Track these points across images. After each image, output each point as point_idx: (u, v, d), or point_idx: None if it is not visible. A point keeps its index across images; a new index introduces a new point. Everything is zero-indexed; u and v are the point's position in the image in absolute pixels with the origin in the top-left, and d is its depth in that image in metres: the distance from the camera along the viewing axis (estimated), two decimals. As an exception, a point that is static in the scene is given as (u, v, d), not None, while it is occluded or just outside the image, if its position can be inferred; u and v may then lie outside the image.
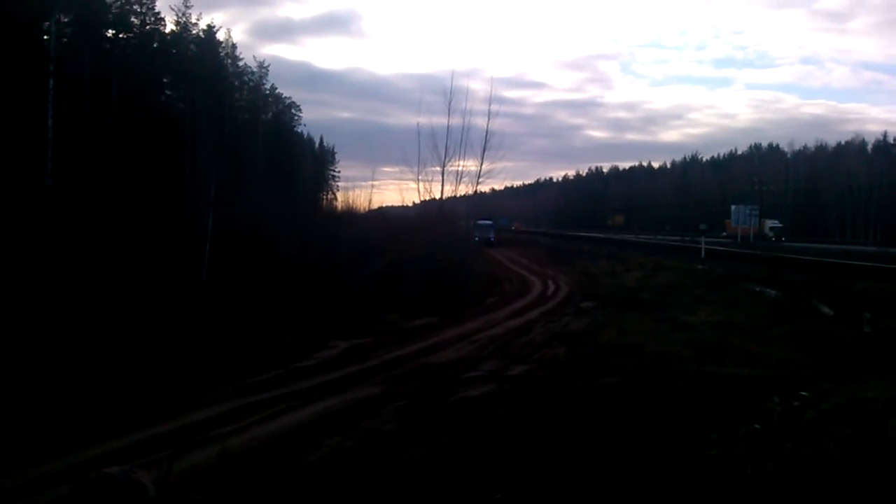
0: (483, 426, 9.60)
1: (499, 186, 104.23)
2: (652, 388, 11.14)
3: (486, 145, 37.56)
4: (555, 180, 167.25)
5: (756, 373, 12.07)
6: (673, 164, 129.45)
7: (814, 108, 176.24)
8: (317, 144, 65.35)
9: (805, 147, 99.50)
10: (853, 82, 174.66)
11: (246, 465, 8.45)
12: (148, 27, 33.65)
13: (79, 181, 23.86)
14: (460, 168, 38.07)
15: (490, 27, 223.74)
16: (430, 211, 41.26)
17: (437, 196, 38.52)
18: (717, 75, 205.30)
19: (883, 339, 14.64)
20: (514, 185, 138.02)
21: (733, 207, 72.44)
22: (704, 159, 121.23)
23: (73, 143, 24.57)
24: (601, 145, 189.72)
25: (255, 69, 45.70)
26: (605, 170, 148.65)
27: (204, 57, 37.08)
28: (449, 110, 36.64)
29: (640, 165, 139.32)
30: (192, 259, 25.66)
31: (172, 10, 36.54)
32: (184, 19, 36.47)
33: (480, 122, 39.25)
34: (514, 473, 7.38)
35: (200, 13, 48.46)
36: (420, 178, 37.53)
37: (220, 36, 40.65)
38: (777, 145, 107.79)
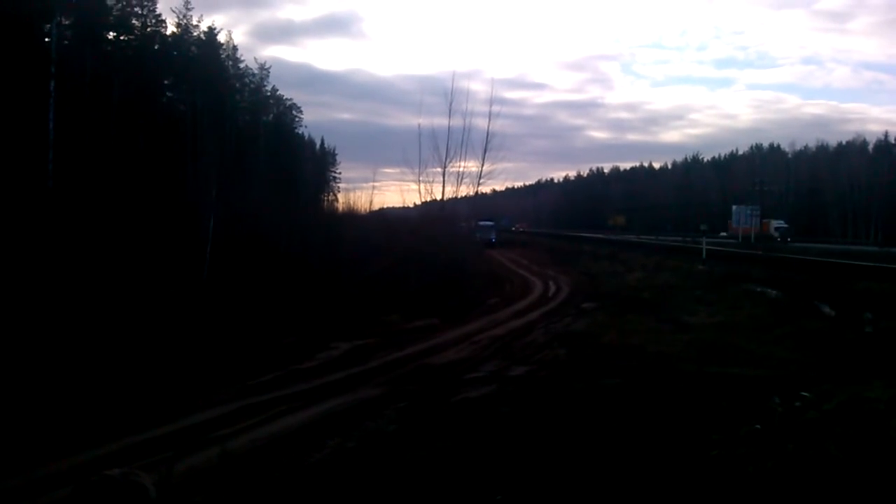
0: (484, 427, 9.59)
1: (500, 187, 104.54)
2: (653, 388, 11.13)
3: (486, 146, 37.68)
4: (556, 181, 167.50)
5: (757, 373, 12.04)
6: (674, 164, 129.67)
7: (815, 108, 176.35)
8: (318, 146, 65.52)
9: (806, 147, 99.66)
10: (854, 82, 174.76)
11: (247, 467, 8.45)
12: (149, 29, 33.75)
13: (80, 183, 23.88)
14: (461, 169, 38.16)
15: (491, 28, 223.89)
16: (431, 212, 41.31)
17: (438, 197, 38.63)
18: (718, 76, 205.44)
19: (884, 340, 14.61)
20: (515, 186, 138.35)
21: (734, 208, 72.40)
22: (705, 160, 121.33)
23: (74, 145, 24.60)
24: (602, 146, 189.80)
25: (256, 71, 45.83)
26: (605, 170, 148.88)
27: (205, 59, 37.13)
28: (450, 111, 36.78)
29: (641, 166, 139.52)
30: (193, 260, 25.69)
31: (173, 12, 36.63)
32: (185, 21, 36.60)
33: (481, 123, 39.41)
34: (515, 474, 7.38)
35: (201, 15, 48.24)
36: (421, 179, 37.66)
37: (221, 38, 40.79)
38: (778, 145, 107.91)
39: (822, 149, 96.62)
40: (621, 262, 42.74)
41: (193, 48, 37.26)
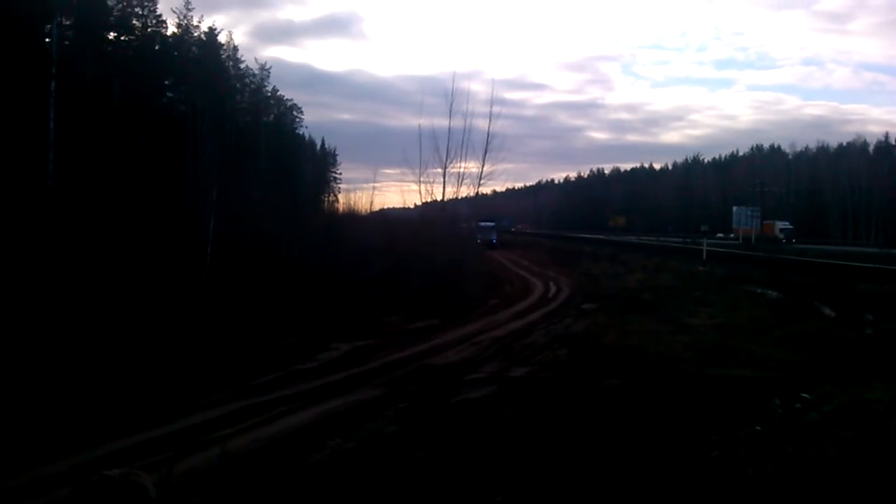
0: (484, 428, 9.59)
1: (500, 188, 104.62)
2: (653, 389, 11.13)
3: (487, 147, 37.64)
4: (556, 182, 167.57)
5: (757, 374, 12.05)
6: (674, 165, 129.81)
7: (815, 109, 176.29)
8: (318, 146, 65.55)
9: (806, 148, 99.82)
10: (854, 83, 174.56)
11: (247, 467, 8.45)
12: (149, 30, 33.74)
13: (80, 184, 23.87)
14: (462, 170, 38.13)
15: (491, 29, 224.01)
16: (432, 213, 41.30)
17: (439, 198, 38.62)
18: (718, 76, 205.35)
19: (885, 341, 14.61)
20: (516, 187, 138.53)
21: (735, 209, 72.48)
22: (706, 161, 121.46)
23: (75, 146, 24.59)
24: (602, 147, 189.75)
25: (256, 71, 45.81)
26: (606, 171, 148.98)
27: (205, 59, 37.13)
28: (450, 112, 36.76)
29: (642, 167, 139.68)
30: (193, 261, 25.67)
31: (174, 12, 36.62)
32: (185, 22, 36.59)
33: (481, 123, 39.35)
34: (516, 475, 7.38)
35: (202, 16, 48.28)
36: (421, 179, 37.64)
37: (222, 38, 40.77)
38: (778, 146, 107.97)
39: (823, 150, 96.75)
40: (622, 263, 42.78)
41: (194, 49, 37.26)
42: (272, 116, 49.26)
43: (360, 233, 34.73)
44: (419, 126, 70.67)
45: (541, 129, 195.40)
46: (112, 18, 31.12)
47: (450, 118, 36.86)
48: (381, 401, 11.90)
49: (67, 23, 27.71)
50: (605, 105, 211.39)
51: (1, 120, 21.08)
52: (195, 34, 37.44)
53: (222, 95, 37.73)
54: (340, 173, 71.18)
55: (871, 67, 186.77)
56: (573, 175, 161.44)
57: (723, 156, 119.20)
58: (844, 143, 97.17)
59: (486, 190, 61.52)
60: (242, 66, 44.21)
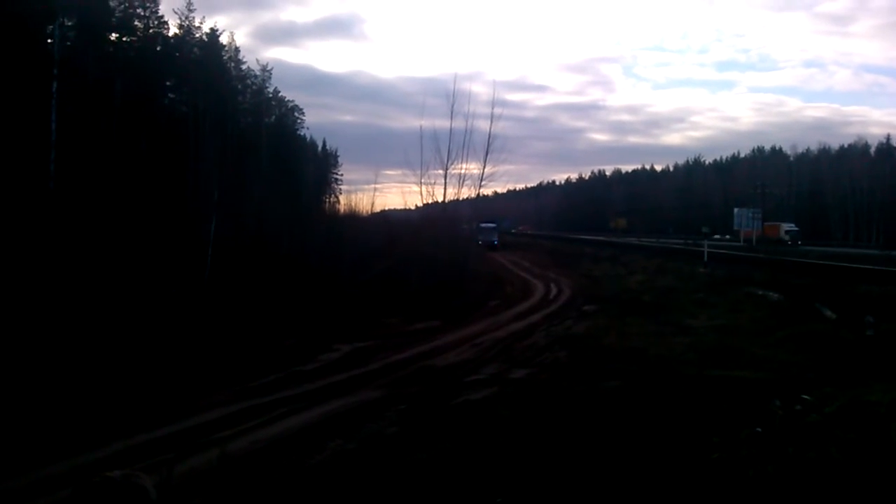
0: (485, 429, 9.59)
1: (501, 189, 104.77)
2: (654, 391, 11.13)
3: (488, 148, 37.52)
4: (557, 183, 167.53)
5: (758, 376, 12.04)
6: (675, 167, 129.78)
7: (816, 111, 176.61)
8: (319, 148, 65.49)
9: (808, 150, 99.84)
10: (856, 85, 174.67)
11: (247, 468, 8.46)
12: (151, 31, 33.72)
13: (82, 184, 23.89)
14: (463, 171, 38.05)
15: (492, 30, 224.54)
16: (433, 214, 41.29)
17: (440, 199, 38.57)
18: (719, 78, 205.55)
19: (885, 343, 14.58)
20: (517, 188, 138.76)
21: (736, 210, 72.36)
22: (707, 162, 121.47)
23: (76, 147, 24.60)
24: (603, 148, 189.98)
25: (257, 72, 45.75)
26: (607, 173, 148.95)
27: (207, 60, 37.11)
28: (451, 113, 36.61)
29: (643, 168, 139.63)
30: (194, 262, 25.70)
31: (175, 13, 36.52)
32: (187, 23, 36.53)
33: (483, 125, 39.22)
34: (516, 477, 7.38)
35: (203, 17, 48.21)
36: (423, 181, 37.51)
37: (223, 39, 40.71)
38: (780, 148, 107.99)
39: (824, 152, 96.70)
40: (623, 265, 42.75)
41: (195, 50, 37.24)
42: (274, 117, 49.25)
43: (361, 234, 34.81)
44: (420, 127, 71.10)
45: (542, 131, 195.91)
46: (114, 19, 31.14)
47: (451, 119, 36.78)
48: (382, 402, 11.91)
49: (69, 23, 27.71)
50: (607, 107, 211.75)
51: (2, 120, 21.10)
52: (197, 35, 37.42)
53: (224, 96, 37.71)
54: (342, 174, 71.20)
55: (873, 69, 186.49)
56: (574, 176, 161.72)
57: (724, 157, 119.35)
58: (846, 145, 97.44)
59: (487, 191, 61.61)
60: (244, 67, 44.20)
